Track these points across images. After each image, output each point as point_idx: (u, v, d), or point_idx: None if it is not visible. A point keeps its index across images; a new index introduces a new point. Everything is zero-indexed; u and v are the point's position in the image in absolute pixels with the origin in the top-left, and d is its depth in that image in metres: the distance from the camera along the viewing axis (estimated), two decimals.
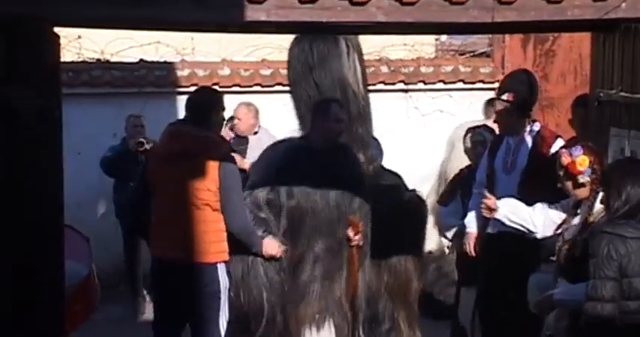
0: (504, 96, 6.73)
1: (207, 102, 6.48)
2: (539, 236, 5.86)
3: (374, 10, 5.19)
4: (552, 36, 11.20)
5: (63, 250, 5.77)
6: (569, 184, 5.22)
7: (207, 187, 6.26)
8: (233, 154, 8.84)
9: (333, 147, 6.57)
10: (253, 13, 5.13)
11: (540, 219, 5.81)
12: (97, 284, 6.67)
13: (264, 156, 6.86)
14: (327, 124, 6.54)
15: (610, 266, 4.61)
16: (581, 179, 5.15)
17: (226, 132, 9.63)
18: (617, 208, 4.80)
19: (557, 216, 5.69)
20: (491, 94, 11.70)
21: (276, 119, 10.77)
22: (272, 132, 9.56)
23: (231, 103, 9.69)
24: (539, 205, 5.86)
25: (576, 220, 5.25)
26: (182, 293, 6.35)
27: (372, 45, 10.21)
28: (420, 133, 11.21)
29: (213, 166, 6.27)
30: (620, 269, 4.61)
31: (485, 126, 7.78)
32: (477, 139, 7.48)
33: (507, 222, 6.00)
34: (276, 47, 11.03)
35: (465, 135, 7.67)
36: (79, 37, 11.10)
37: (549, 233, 5.73)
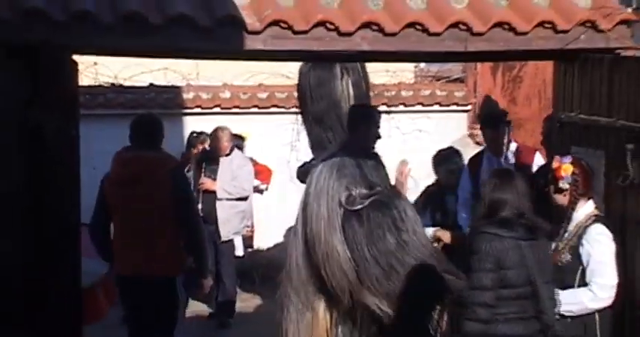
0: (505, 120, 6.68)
1: (149, 127, 6.41)
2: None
3: (359, 40, 5.22)
4: (519, 63, 11.20)
5: (80, 262, 5.76)
6: (552, 187, 5.15)
7: (165, 203, 6.09)
8: (205, 175, 8.85)
9: (368, 154, 6.13)
10: (252, 43, 5.15)
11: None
12: (113, 281, 6.52)
13: (319, 183, 5.86)
14: (372, 130, 6.16)
15: (490, 260, 4.76)
16: (561, 184, 5.08)
17: (197, 148, 9.60)
18: (481, 212, 4.96)
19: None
20: (465, 116, 11.82)
21: (270, 137, 10.84)
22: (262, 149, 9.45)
23: (232, 122, 9.76)
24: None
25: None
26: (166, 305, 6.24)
27: None
28: (401, 150, 11.18)
29: (164, 183, 6.12)
30: (498, 263, 4.76)
31: (451, 148, 7.53)
32: (451, 168, 7.23)
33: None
34: (272, 73, 11.05)
35: (436, 159, 7.36)
36: (95, 63, 11.11)
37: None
